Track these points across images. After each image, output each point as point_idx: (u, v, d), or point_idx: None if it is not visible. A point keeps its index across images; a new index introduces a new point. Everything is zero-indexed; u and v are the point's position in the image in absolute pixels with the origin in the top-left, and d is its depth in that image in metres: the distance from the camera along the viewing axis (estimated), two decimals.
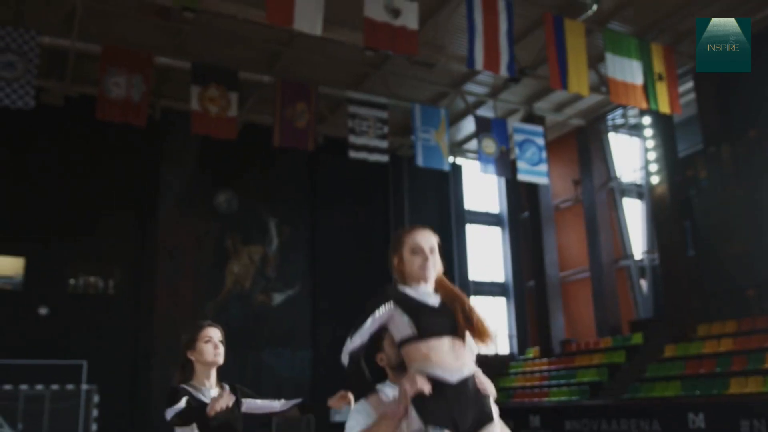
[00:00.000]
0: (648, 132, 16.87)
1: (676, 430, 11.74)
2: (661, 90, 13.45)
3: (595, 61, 14.92)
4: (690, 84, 16.36)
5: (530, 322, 20.71)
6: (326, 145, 17.40)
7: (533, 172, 16.05)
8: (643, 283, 18.86)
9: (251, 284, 18.09)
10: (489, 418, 2.41)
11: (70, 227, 16.33)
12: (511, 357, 20.09)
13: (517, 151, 16.09)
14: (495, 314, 21.46)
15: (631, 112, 18.58)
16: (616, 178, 19.36)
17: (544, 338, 18.56)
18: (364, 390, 2.54)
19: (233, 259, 17.91)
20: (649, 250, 18.61)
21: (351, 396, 3.12)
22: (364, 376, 2.52)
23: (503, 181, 21.44)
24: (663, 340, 15.16)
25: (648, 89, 13.37)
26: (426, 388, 2.36)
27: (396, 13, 11.10)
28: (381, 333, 2.58)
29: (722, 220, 14.56)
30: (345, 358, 2.51)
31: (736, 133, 14.66)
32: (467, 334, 2.48)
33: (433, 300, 2.55)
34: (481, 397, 2.42)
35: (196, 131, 13.47)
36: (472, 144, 18.68)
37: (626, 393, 13.84)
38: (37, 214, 16.13)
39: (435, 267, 2.60)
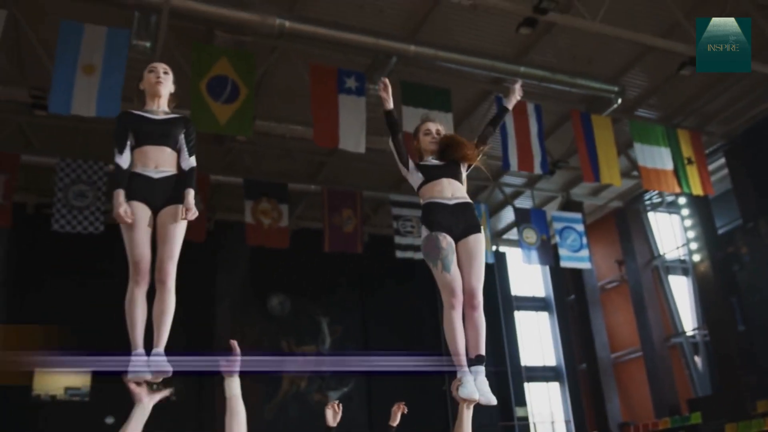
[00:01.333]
0: (685, 211, 17.43)
1: None
2: (692, 173, 14.11)
3: (625, 147, 15.73)
4: (723, 160, 17.01)
5: (586, 406, 20.77)
6: (371, 242, 18.31)
7: (575, 258, 16.63)
8: (698, 360, 18.94)
9: (307, 384, 18.74)
10: (476, 229, 3.79)
11: None
12: None
13: (557, 238, 16.74)
14: (551, 400, 21.68)
15: None
16: (659, 256, 19.78)
17: (602, 422, 18.61)
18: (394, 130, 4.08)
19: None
20: (701, 326, 18.76)
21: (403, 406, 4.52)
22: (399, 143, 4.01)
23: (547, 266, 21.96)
24: (722, 419, 15.20)
25: (679, 173, 14.04)
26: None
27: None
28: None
29: None
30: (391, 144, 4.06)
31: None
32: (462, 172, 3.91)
33: (436, 162, 3.96)
34: (471, 216, 3.78)
35: (251, 243, 14.50)
36: (514, 232, 19.39)
37: None
38: (101, 327, 17.16)
39: (437, 143, 3.98)
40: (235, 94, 10.88)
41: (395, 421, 4.54)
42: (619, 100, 14.21)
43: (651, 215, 20.34)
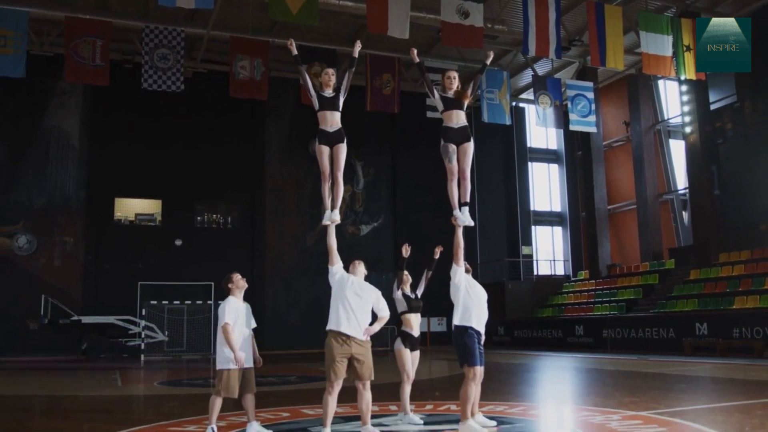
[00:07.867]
0: (684, 87, 20.35)
1: (686, 336, 15.84)
2: (689, 59, 16.89)
3: (636, 24, 18.40)
4: None
5: (583, 248, 24.89)
6: (403, 98, 21.48)
7: (583, 122, 19.81)
8: (685, 215, 22.61)
9: (343, 218, 22.62)
10: (468, 140, 6.18)
11: (197, 174, 21.28)
12: (565, 278, 24.43)
13: (569, 104, 19.85)
14: (553, 241, 25.81)
15: None
16: (663, 120, 22.90)
17: (593, 263, 22.75)
18: (422, 72, 6.55)
19: None
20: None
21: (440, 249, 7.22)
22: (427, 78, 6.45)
23: None
24: (690, 265, 19.20)
25: (678, 60, 16.88)
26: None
27: (466, 14, 14.99)
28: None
29: (743, 166, 18.24)
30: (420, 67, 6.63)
31: (761, 91, 18.06)
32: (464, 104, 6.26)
33: (451, 96, 6.21)
34: (466, 133, 6.16)
35: (305, 102, 17.74)
36: (531, 92, 22.43)
37: (654, 308, 18.02)
38: (171, 164, 21.08)
39: (455, 85, 6.16)
40: None
41: (436, 256, 7.75)
42: None
43: (660, 83, 23.17)
